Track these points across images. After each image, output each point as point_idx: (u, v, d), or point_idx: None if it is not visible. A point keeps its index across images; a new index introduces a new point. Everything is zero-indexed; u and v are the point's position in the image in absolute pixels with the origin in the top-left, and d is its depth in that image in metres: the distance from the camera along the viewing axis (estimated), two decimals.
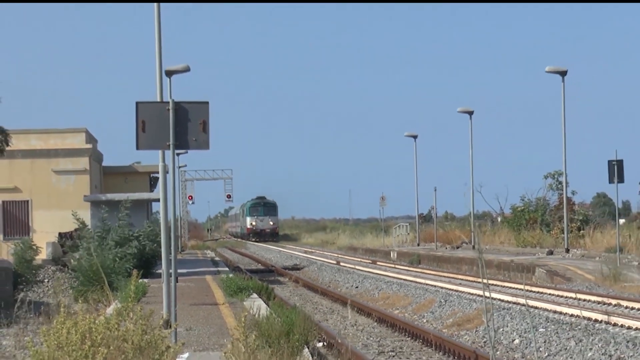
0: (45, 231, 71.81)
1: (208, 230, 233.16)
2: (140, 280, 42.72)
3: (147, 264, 57.45)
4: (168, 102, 27.80)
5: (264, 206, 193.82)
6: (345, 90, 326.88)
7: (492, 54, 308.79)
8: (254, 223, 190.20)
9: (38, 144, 77.92)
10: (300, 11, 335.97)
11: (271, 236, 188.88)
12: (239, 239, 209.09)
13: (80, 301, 35.39)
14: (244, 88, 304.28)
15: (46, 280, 56.53)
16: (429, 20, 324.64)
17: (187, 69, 48.10)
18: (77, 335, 18.63)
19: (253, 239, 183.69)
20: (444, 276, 58.16)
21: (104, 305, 32.46)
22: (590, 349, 26.41)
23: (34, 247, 56.79)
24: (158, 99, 30.09)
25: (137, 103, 27.44)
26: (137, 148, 27.93)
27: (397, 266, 75.05)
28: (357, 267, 70.88)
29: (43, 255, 63.14)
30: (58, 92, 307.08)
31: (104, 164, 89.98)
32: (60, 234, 67.92)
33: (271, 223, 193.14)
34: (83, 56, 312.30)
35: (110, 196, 74.13)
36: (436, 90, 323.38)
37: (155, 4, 31.45)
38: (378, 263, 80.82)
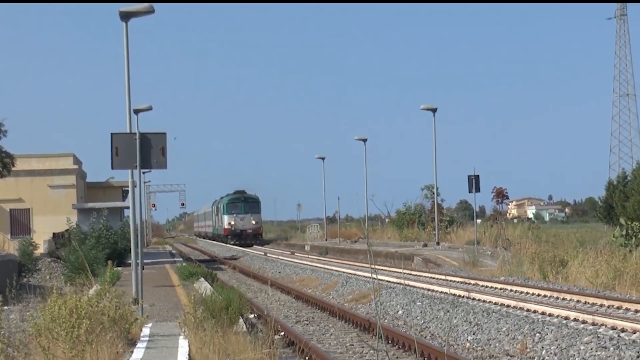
0: (42, 232, 73.14)
1: (167, 230, 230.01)
2: (115, 268, 42.60)
3: (120, 256, 57.57)
4: (135, 133, 28.50)
5: (244, 202, 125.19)
6: (266, 121, 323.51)
7: (384, 95, 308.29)
8: (232, 222, 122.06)
9: (37, 166, 79.46)
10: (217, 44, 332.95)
11: (254, 238, 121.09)
12: (207, 240, 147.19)
13: (69, 285, 35.09)
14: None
15: (43, 269, 56.06)
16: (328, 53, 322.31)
17: (149, 108, 48.54)
18: (66, 310, 18.58)
19: (232, 242, 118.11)
20: (345, 263, 58.18)
21: (87, 288, 32.19)
22: (455, 317, 26.50)
23: (34, 244, 57.01)
24: (128, 131, 30.21)
25: (112, 134, 28.34)
26: (112, 168, 29.01)
27: (309, 256, 75.26)
28: (280, 257, 70.75)
29: (41, 250, 63.34)
30: (51, 121, 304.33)
31: (87, 180, 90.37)
32: (54, 233, 68.21)
33: (254, 222, 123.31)
34: (72, 97, 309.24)
35: (91, 205, 74.78)
36: (338, 120, 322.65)
37: (125, 68, 31.41)
38: (296, 254, 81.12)
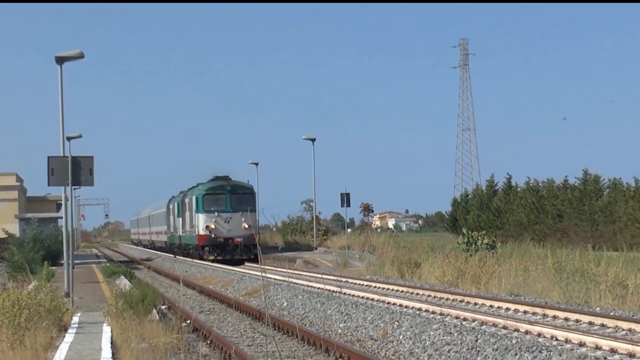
0: None
1: (93, 236, 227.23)
2: (50, 268, 42.09)
3: (54, 257, 56.80)
4: (68, 157, 28.77)
5: (231, 193, 62.51)
6: (200, 132, 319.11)
7: (272, 125, 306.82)
8: (212, 226, 61.54)
9: None
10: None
11: (246, 252, 60.71)
12: (162, 254, 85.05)
13: (11, 281, 34.64)
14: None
15: None
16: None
17: (80, 136, 48.84)
18: (9, 302, 18.37)
19: (211, 257, 61.25)
20: (241, 265, 58.07)
21: (27, 284, 31.76)
22: (330, 308, 26.57)
23: None
24: (62, 154, 29.98)
25: (48, 157, 29.13)
26: (48, 185, 29.50)
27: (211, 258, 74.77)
28: (187, 259, 70.28)
29: None
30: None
31: (28, 194, 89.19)
32: None
33: (246, 226, 61.27)
34: (15, 124, 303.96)
35: (31, 215, 73.99)
36: (234, 146, 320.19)
37: (60, 104, 31.07)
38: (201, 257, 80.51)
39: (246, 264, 58.32)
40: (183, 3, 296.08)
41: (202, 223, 60.37)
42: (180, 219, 69.93)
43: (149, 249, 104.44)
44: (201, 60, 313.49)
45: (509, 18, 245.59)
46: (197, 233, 61.43)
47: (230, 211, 60.15)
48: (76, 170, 28.42)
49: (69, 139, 45.08)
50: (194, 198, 62.61)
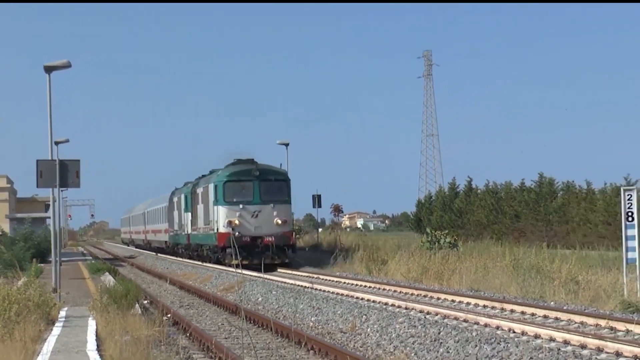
0: None
1: (80, 235, 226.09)
2: (38, 265, 41.94)
3: (43, 255, 56.56)
4: (55, 160, 28.80)
5: (259, 180, 45.32)
6: (182, 134, 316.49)
7: (249, 131, 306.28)
8: (237, 222, 44.41)
9: None
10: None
11: (280, 254, 44.58)
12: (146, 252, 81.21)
13: (2, 277, 34.47)
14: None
15: None
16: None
17: (67, 141, 49.02)
18: (0, 297, 18.32)
19: (235, 262, 39.35)
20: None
21: (17, 280, 31.58)
22: (302, 303, 26.56)
23: None
24: (50, 158, 29.88)
25: (37, 160, 29.45)
26: (37, 187, 29.86)
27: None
28: (168, 257, 70.09)
29: None
30: None
31: (18, 195, 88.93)
32: None
33: (279, 222, 44.70)
34: (5, 125, 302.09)
35: (21, 215, 73.77)
36: (209, 150, 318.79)
37: (48, 111, 30.97)
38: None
39: (279, 269, 44.10)
40: (172, 3, 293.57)
41: (222, 218, 45.01)
42: (190, 214, 55.03)
43: (144, 249, 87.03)
44: (192, 60, 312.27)
45: (472, 28, 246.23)
46: (215, 231, 45.85)
47: (259, 202, 45.00)
48: (63, 173, 28.50)
49: (56, 143, 45.09)
50: (211, 187, 46.80)
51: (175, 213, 62.19)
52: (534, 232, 59.73)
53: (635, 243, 25.32)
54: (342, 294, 28.47)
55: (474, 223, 70.59)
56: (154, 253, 76.36)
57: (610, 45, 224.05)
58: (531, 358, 14.95)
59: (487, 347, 16.19)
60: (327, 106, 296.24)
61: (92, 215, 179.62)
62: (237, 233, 43.57)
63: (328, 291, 29.69)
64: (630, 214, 25.33)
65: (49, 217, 64.17)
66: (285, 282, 34.61)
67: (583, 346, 15.69)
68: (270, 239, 44.03)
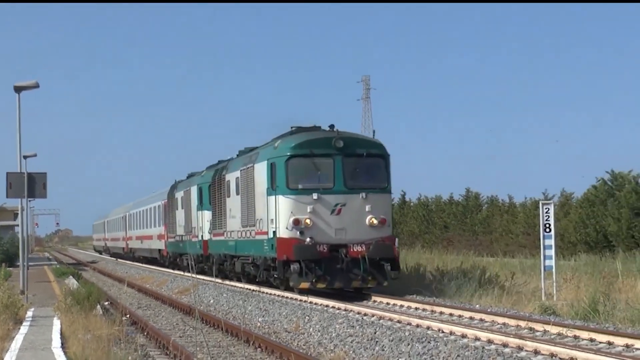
0: None
1: (46, 242, 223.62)
2: (7, 269, 41.49)
3: (11, 259, 56.18)
4: (24, 173, 28.73)
5: (344, 155, 25.40)
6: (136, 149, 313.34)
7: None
8: (309, 221, 24.68)
9: None
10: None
11: (377, 273, 25.16)
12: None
13: None
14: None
15: None
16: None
17: (35, 155, 48.69)
18: None
19: (304, 285, 25.11)
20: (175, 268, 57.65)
21: None
22: (250, 305, 26.52)
23: None
24: (19, 171, 29.77)
25: (7, 173, 29.52)
26: (7, 197, 30.18)
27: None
28: (127, 262, 69.69)
29: None
30: None
31: None
32: None
33: (375, 222, 25.19)
34: None
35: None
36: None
37: (17, 128, 30.77)
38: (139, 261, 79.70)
39: (374, 297, 26.55)
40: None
41: (286, 215, 26.13)
42: (208, 212, 36.94)
43: (124, 259, 71.32)
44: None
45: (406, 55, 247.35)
46: (271, 236, 26.86)
47: (343, 191, 26.25)
48: (31, 185, 28.42)
49: (25, 157, 44.76)
50: (262, 167, 27.75)
51: (179, 213, 44.33)
52: (461, 241, 60.13)
53: (552, 252, 25.82)
54: (287, 297, 28.46)
55: (407, 233, 70.85)
56: (115, 260, 75.08)
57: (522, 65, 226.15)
58: (458, 356, 15.09)
59: (419, 346, 16.32)
60: (274, 120, 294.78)
61: (57, 223, 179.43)
62: (307, 239, 25.52)
63: (274, 294, 29.67)
64: (547, 225, 25.80)
65: (18, 225, 63.64)
66: (234, 286, 34.51)
67: (505, 345, 15.88)
68: (360, 249, 25.68)
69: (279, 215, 26.14)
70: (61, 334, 17.95)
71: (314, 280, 25.44)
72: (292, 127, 28.11)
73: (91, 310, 22.50)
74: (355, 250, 25.61)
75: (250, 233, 29.44)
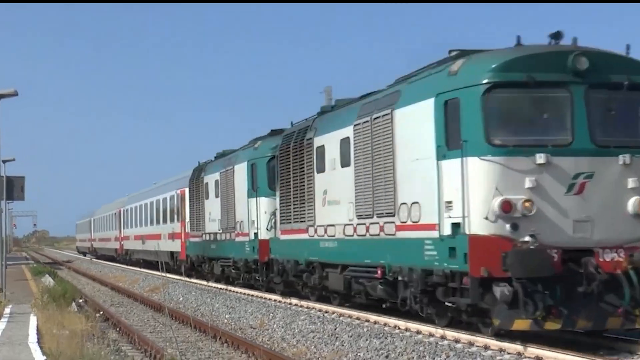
0: None
1: (23, 242, 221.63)
2: None
3: None
4: (3, 177, 28.48)
5: (591, 87, 12.21)
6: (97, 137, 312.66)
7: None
8: (527, 203, 11.97)
9: None
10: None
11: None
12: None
13: None
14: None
15: None
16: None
17: (14, 159, 47.99)
18: None
19: (525, 327, 11.89)
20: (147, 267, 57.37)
21: None
22: (217, 302, 26.50)
23: None
24: None
25: None
26: None
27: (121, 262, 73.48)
28: (101, 261, 69.24)
29: None
30: None
31: None
32: None
33: None
34: None
35: None
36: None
37: None
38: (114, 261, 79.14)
39: None
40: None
41: (487, 188, 13.03)
42: (272, 199, 25.08)
43: (118, 263, 58.38)
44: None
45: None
46: (461, 231, 13.59)
47: (589, 150, 13.23)
48: (10, 188, 28.23)
49: (4, 161, 44.34)
50: (427, 106, 14.39)
51: (210, 203, 31.71)
52: None
53: None
54: (252, 295, 28.45)
55: None
56: (89, 259, 74.55)
57: None
58: (413, 351, 15.16)
59: (376, 341, 16.37)
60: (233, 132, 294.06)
61: (35, 224, 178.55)
62: (527, 237, 13.07)
63: (241, 292, 29.64)
64: None
65: None
66: (202, 284, 34.41)
67: (457, 340, 15.96)
68: (619, 258, 13.38)
69: (480, 187, 13.36)
70: (37, 329, 17.84)
71: (539, 315, 13.01)
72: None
73: (66, 307, 22.39)
74: (610, 259, 13.34)
75: (385, 228, 17.00)
